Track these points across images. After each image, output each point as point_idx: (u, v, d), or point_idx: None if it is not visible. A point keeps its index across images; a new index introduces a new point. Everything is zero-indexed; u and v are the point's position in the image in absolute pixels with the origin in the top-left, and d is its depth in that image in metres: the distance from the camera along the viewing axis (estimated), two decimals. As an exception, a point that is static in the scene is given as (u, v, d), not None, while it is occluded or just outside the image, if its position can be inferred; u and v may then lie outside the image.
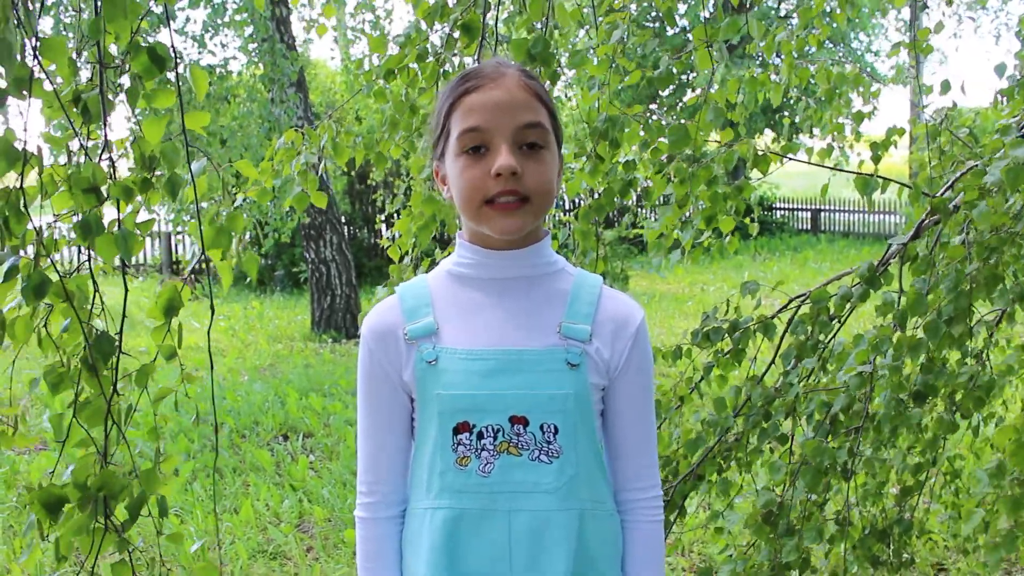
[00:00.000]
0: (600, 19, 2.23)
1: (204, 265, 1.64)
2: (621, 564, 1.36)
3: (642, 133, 2.21)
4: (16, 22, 1.30)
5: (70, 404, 1.45)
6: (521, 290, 1.31)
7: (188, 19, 8.41)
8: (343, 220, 10.72)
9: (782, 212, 17.82)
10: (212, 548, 3.74)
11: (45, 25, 6.91)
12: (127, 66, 1.41)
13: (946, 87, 2.88)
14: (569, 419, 1.26)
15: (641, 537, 1.36)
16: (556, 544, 1.26)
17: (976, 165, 1.97)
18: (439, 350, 1.27)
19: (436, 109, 1.33)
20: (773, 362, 2.26)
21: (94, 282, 1.44)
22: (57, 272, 1.39)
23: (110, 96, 1.44)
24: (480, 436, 1.25)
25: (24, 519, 4.07)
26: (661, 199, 2.34)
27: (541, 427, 1.26)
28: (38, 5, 1.43)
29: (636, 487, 1.35)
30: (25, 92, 1.32)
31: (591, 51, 2.27)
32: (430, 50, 2.27)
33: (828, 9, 3.09)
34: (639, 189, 2.22)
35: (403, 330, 1.30)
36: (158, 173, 1.48)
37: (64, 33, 6.80)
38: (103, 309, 1.47)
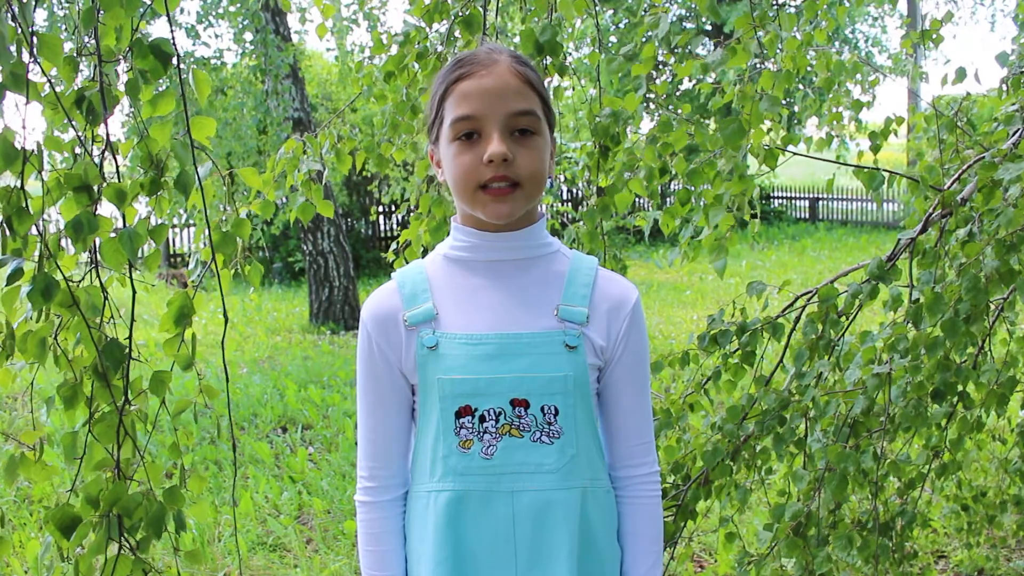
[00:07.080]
0: (599, 6, 2.20)
1: (215, 268, 1.62)
2: (619, 539, 1.37)
3: (643, 131, 2.18)
4: (11, 15, 1.27)
5: (85, 422, 1.41)
6: (517, 272, 1.32)
7: (182, 10, 8.35)
8: (340, 212, 10.68)
9: (780, 201, 17.80)
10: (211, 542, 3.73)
11: (38, 18, 6.85)
12: (128, 63, 1.39)
13: (961, 75, 2.85)
14: (569, 400, 1.28)
15: (640, 513, 1.37)
16: (559, 523, 1.27)
17: (983, 157, 1.95)
18: (439, 335, 1.29)
19: (431, 94, 1.33)
20: (781, 362, 2.22)
21: (103, 289, 1.41)
22: (63, 276, 1.36)
23: (113, 91, 1.41)
24: (482, 419, 1.27)
25: (23, 514, 4.06)
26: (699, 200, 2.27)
27: (542, 409, 1.27)
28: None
29: (634, 463, 1.37)
30: (22, 89, 1.30)
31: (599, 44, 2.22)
32: (430, 48, 2.24)
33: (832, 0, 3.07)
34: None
35: (402, 316, 1.30)
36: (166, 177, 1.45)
37: (58, 26, 6.74)
38: (112, 317, 1.43)
